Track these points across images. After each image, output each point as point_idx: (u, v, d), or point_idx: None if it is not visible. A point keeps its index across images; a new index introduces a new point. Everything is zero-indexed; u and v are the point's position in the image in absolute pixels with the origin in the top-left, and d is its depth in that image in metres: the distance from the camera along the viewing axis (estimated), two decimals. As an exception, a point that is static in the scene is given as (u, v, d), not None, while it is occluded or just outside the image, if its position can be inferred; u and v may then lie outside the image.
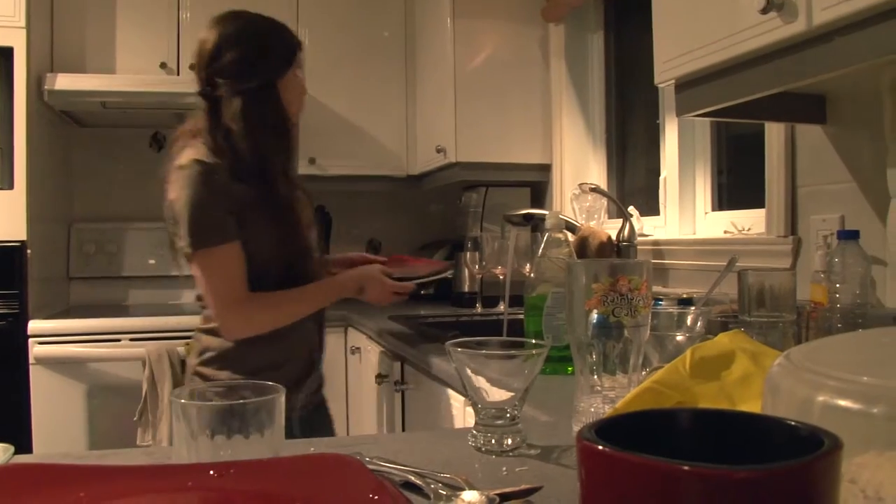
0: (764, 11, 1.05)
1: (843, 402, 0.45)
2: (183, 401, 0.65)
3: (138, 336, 2.51)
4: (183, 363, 2.46)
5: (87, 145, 3.18)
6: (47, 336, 2.46)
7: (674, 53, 1.30)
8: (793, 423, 0.39)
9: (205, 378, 1.63)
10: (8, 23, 2.47)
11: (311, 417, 1.73)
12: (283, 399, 0.67)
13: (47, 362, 2.44)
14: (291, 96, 1.64)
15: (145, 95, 2.74)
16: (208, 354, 1.64)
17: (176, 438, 0.66)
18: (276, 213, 1.59)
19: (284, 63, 1.62)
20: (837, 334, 1.11)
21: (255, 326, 1.59)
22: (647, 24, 1.42)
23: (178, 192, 1.52)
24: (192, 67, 1.65)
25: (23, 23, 2.48)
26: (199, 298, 1.68)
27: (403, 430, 1.98)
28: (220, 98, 1.57)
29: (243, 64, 1.57)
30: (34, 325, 2.46)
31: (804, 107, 1.46)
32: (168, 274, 3.14)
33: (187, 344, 2.45)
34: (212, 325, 1.63)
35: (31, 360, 2.43)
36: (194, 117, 1.64)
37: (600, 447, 0.35)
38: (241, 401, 0.67)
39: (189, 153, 1.54)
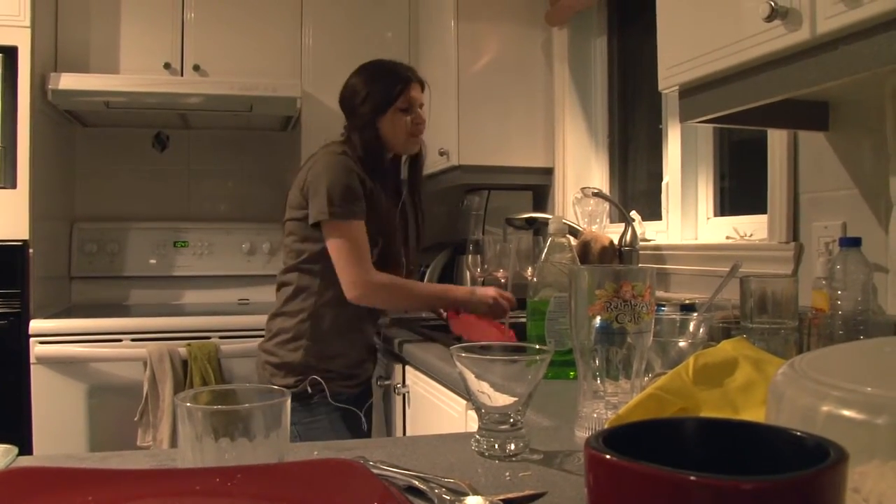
0: (768, 19, 1.05)
1: (846, 412, 0.45)
2: (188, 404, 0.65)
3: (139, 336, 2.50)
4: (184, 363, 2.47)
5: (91, 145, 3.18)
6: (48, 336, 2.45)
7: (678, 59, 1.31)
8: (799, 433, 0.39)
9: (275, 357, 1.86)
10: (12, 22, 2.48)
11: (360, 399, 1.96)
12: (288, 403, 0.67)
13: (48, 362, 2.44)
14: (390, 133, 1.94)
15: (149, 96, 2.74)
16: (282, 336, 1.87)
17: (181, 441, 0.66)
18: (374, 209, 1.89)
19: (379, 108, 1.92)
20: (841, 343, 1.12)
21: (379, 295, 1.85)
22: (650, 29, 1.43)
23: (322, 169, 1.82)
24: None
25: (27, 22, 2.49)
26: (282, 285, 1.91)
27: (404, 433, 1.98)
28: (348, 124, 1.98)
29: (349, 105, 1.96)
30: (35, 325, 2.46)
31: (807, 114, 1.47)
32: (170, 274, 3.14)
33: (189, 345, 2.47)
34: (286, 308, 1.88)
35: (31, 360, 2.43)
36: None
37: (608, 456, 0.35)
38: (247, 405, 0.68)
39: (333, 147, 1.90)
